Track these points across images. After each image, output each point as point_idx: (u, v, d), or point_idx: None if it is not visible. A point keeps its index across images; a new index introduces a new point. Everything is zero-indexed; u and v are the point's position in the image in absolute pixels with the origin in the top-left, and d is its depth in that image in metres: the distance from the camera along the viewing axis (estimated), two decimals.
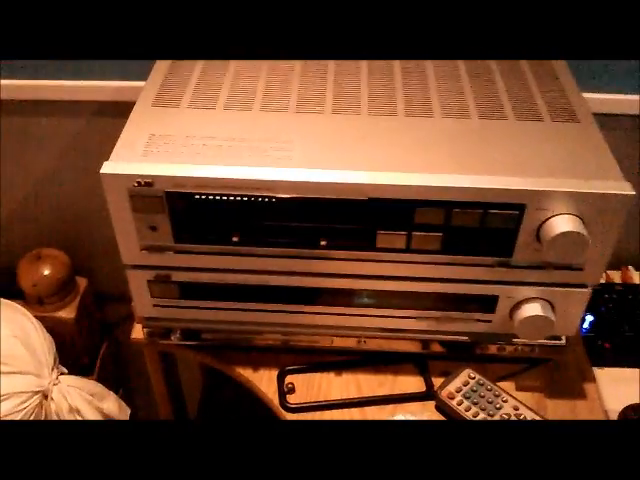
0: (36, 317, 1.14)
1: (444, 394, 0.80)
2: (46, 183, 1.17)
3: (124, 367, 1.41)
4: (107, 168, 0.70)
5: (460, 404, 0.79)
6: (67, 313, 1.21)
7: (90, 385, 1.15)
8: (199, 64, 0.85)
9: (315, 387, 0.85)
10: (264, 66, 0.84)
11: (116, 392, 1.24)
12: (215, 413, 1.35)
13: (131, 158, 0.71)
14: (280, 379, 0.85)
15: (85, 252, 1.26)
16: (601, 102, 0.97)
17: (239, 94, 0.80)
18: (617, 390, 0.91)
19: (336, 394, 0.84)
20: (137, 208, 0.72)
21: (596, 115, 0.96)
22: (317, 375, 0.86)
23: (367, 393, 0.84)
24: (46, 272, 1.19)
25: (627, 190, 0.68)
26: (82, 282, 1.25)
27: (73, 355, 1.24)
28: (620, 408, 0.85)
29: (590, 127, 0.77)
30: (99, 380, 1.22)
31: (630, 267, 1.10)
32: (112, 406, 1.16)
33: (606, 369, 0.94)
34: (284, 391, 0.83)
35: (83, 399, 1.11)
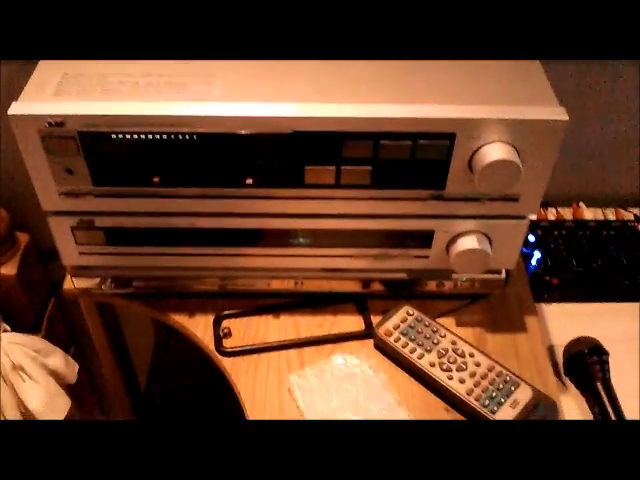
0: None
1: (382, 331, 0.79)
2: None
3: (74, 324, 1.38)
4: (15, 109, 0.66)
5: (397, 341, 0.78)
6: (8, 270, 1.17)
7: (34, 342, 1.12)
8: None
9: (252, 331, 0.82)
10: None
11: (67, 350, 1.21)
12: (166, 372, 1.33)
13: (42, 98, 0.67)
14: (216, 324, 0.82)
15: (27, 207, 1.21)
16: None
17: None
18: (564, 325, 0.91)
19: (274, 337, 0.82)
20: (50, 150, 0.68)
21: None
22: (254, 319, 0.84)
23: (306, 335, 0.82)
24: None
25: (560, 116, 0.65)
26: (23, 238, 1.21)
27: (18, 313, 1.20)
28: (567, 341, 0.85)
29: None
30: (47, 338, 1.19)
31: (581, 203, 1.09)
32: (58, 362, 1.13)
33: (554, 305, 0.94)
34: (220, 336, 0.81)
35: (27, 356, 1.08)
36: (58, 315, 1.30)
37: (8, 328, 1.11)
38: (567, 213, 1.08)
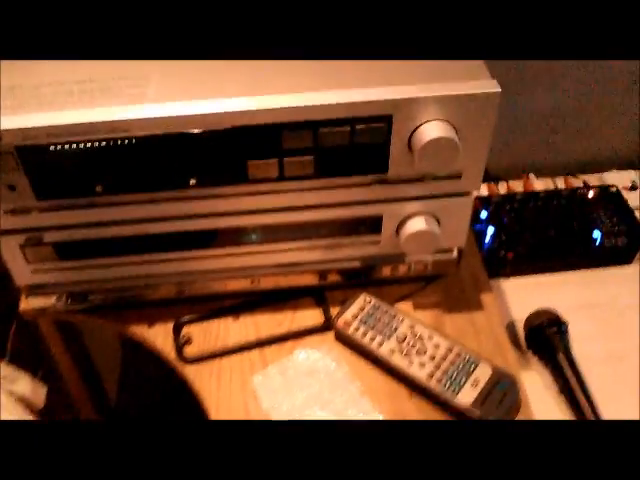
0: None
1: (340, 323, 0.79)
2: None
3: (40, 347, 1.35)
4: None
5: (357, 330, 0.78)
6: None
7: None
8: None
9: (213, 335, 0.82)
10: None
11: (35, 373, 1.19)
12: (136, 385, 1.32)
13: None
14: (176, 332, 0.82)
15: None
16: None
17: None
18: (523, 299, 0.92)
19: (235, 339, 0.81)
20: None
21: None
22: (214, 323, 0.83)
23: (266, 333, 0.82)
24: None
25: (492, 88, 0.66)
26: None
27: None
28: (527, 314, 0.86)
29: None
30: (12, 363, 1.17)
31: (531, 175, 1.10)
32: (25, 388, 1.12)
33: (511, 279, 0.95)
34: (180, 344, 0.81)
35: None
36: (21, 339, 1.28)
37: None
38: (518, 186, 1.08)
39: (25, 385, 1.11)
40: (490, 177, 1.08)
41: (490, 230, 0.98)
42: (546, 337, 0.83)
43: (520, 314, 0.87)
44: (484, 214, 1.00)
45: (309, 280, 0.83)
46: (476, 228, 0.97)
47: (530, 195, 1.04)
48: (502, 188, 1.08)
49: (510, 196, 1.04)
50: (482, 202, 1.01)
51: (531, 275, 0.95)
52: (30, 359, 1.25)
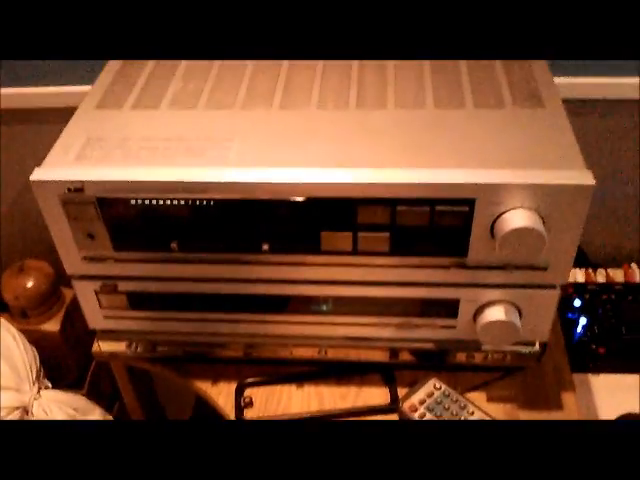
0: (20, 330, 1.12)
1: (406, 406, 0.75)
2: (31, 192, 1.16)
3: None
4: (37, 175, 0.67)
5: (422, 417, 0.74)
6: (52, 325, 1.19)
7: (73, 399, 1.12)
8: (149, 64, 0.81)
9: (275, 400, 0.80)
10: (216, 63, 0.81)
11: (111, 407, 1.21)
12: None
13: (63, 163, 0.68)
14: (238, 393, 0.80)
15: None
16: (599, 86, 0.92)
17: (186, 92, 0.77)
18: (611, 398, 0.86)
19: (296, 408, 0.79)
20: (71, 215, 0.69)
21: (595, 101, 0.92)
22: (277, 388, 0.81)
23: (329, 406, 0.79)
24: (29, 284, 1.17)
25: (586, 180, 0.62)
26: (68, 293, 1.23)
27: (61, 369, 1.22)
28: (615, 416, 0.80)
29: (556, 113, 0.70)
30: (91, 395, 1.20)
31: (633, 265, 1.03)
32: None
33: (601, 375, 0.89)
34: (241, 406, 0.79)
35: (65, 414, 1.09)
36: (101, 371, 1.31)
37: (49, 385, 1.12)
38: (618, 275, 1.02)
39: (97, 418, 1.13)
40: (588, 263, 1.02)
41: (582, 320, 0.91)
42: None
43: (606, 413, 0.81)
44: (578, 302, 0.94)
45: (379, 356, 0.80)
46: (568, 316, 0.91)
47: (630, 287, 0.96)
48: (600, 276, 1.00)
49: (608, 286, 0.97)
50: (577, 289, 0.95)
51: (623, 374, 0.88)
52: (107, 392, 1.28)
